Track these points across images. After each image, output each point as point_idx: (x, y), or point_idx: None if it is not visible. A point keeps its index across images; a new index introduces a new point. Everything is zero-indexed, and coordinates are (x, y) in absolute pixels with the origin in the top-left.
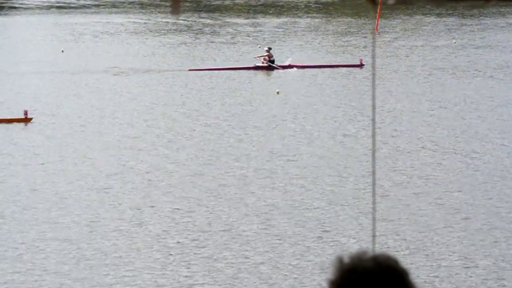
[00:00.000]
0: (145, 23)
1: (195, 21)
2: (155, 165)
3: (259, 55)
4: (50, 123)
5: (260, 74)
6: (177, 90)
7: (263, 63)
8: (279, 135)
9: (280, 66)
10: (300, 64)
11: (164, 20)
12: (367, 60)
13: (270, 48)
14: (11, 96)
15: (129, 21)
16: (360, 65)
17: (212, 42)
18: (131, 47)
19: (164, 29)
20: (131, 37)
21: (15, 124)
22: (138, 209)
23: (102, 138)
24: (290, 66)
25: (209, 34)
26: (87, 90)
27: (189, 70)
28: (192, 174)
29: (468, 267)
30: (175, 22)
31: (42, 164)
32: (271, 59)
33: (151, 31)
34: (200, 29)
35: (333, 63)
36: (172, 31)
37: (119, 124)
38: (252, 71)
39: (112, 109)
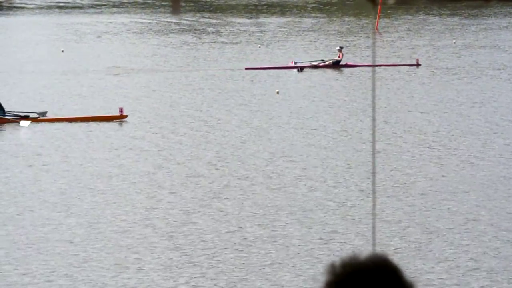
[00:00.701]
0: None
1: (204, 21)
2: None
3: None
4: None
5: (328, 72)
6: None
7: (323, 61)
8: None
9: (321, 65)
10: (354, 63)
11: (181, 19)
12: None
13: (342, 47)
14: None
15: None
16: (417, 65)
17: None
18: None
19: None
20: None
21: (110, 121)
22: (150, 208)
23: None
24: (346, 65)
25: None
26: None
27: (246, 68)
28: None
29: (469, 268)
30: (191, 21)
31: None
32: (339, 58)
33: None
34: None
35: (390, 63)
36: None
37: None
38: (320, 70)
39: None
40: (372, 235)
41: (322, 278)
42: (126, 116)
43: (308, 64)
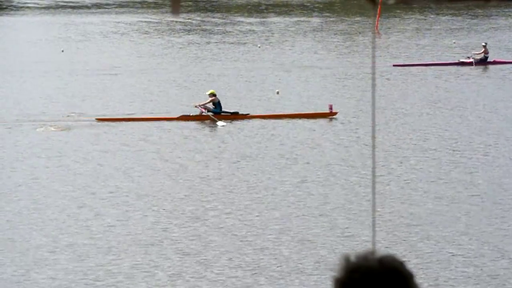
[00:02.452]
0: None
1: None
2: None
3: (478, 52)
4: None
5: (467, 69)
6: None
7: (468, 58)
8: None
9: (483, 62)
10: (503, 60)
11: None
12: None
13: (486, 44)
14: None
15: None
16: None
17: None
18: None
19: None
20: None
21: (320, 118)
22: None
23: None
24: (495, 62)
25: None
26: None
27: (394, 65)
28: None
29: (471, 269)
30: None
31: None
32: (486, 55)
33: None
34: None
35: None
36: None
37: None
38: (468, 67)
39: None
40: (372, 235)
41: (334, 270)
42: (336, 113)
43: (457, 61)
